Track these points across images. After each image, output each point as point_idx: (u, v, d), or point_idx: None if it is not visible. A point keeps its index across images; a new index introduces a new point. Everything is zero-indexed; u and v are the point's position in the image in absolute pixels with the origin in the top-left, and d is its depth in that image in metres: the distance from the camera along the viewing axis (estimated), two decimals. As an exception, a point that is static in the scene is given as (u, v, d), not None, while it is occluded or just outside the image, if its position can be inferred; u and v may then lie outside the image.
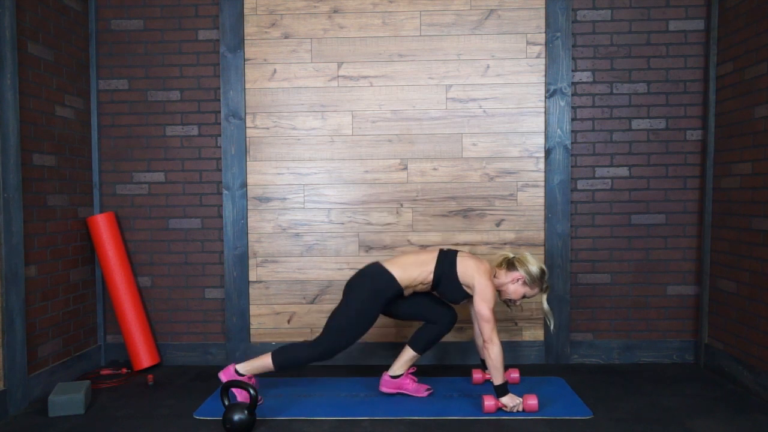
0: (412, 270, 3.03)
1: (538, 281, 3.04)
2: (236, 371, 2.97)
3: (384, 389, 3.16)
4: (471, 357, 3.75)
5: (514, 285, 3.05)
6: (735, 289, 3.34)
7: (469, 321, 3.76)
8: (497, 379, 2.88)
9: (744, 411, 2.92)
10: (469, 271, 3.01)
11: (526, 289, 3.05)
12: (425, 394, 3.13)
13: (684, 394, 3.17)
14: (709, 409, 2.95)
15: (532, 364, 3.73)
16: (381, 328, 3.76)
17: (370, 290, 2.97)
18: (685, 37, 3.68)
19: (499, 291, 3.08)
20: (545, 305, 3.07)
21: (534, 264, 3.04)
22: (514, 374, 3.34)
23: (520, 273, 3.03)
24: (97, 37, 3.78)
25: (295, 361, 2.95)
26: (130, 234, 3.82)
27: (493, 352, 2.87)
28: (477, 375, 3.32)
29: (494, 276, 3.06)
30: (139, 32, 3.78)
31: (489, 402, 2.83)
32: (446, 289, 3.05)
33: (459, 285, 3.03)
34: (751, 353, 3.18)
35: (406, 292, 3.07)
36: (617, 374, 3.51)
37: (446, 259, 3.05)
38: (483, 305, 2.92)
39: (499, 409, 2.87)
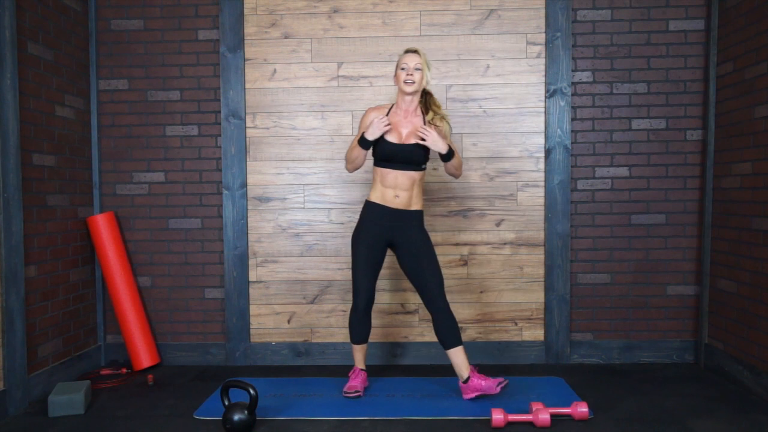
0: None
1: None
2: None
3: (466, 397, 3.04)
4: (471, 356, 3.74)
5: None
6: (735, 289, 3.34)
7: (469, 320, 3.76)
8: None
9: (744, 411, 2.92)
10: None
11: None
12: (498, 389, 2.98)
13: (684, 394, 3.17)
14: (709, 409, 2.95)
15: (532, 364, 3.73)
16: (382, 327, 3.76)
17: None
18: (685, 37, 3.68)
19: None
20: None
21: None
22: (583, 408, 2.81)
23: None
24: (97, 37, 3.78)
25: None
26: (130, 234, 3.82)
27: None
28: (497, 415, 2.75)
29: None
30: (139, 32, 3.77)
31: (497, 416, 2.72)
32: None
33: None
34: (751, 353, 3.18)
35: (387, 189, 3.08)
36: (617, 374, 3.51)
37: None
38: None
39: (509, 423, 2.77)
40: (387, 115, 3.07)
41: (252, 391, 2.66)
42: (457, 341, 3.05)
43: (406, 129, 3.06)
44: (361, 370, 3.24)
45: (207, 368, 3.74)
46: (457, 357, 3.05)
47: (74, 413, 2.94)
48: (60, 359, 3.41)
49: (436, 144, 2.96)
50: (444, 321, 3.05)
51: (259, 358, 3.79)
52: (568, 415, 2.82)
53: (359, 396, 3.12)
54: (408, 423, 2.80)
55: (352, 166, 3.15)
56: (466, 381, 3.04)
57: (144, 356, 3.66)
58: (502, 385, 3.00)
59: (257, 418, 2.78)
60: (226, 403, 2.72)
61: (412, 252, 3.06)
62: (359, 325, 3.17)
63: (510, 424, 2.76)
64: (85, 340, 3.67)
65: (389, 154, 3.02)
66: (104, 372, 3.62)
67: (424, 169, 3.11)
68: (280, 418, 2.86)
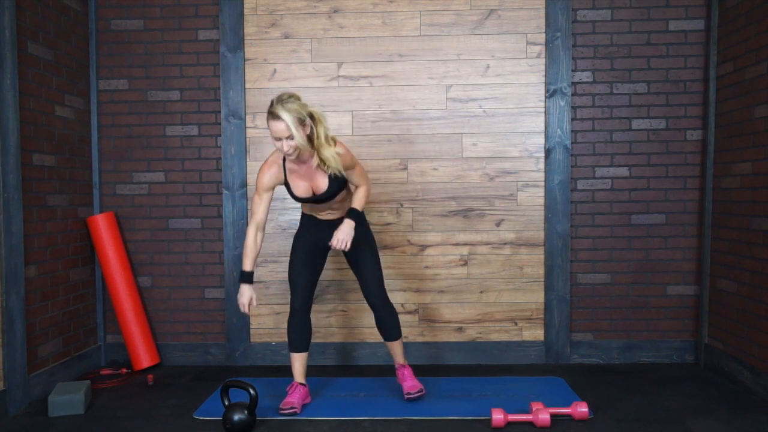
0: None
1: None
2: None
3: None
4: (470, 356, 3.75)
5: None
6: (735, 289, 3.34)
7: (469, 320, 3.76)
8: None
9: (744, 411, 2.92)
10: None
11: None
12: (415, 396, 3.03)
13: (684, 394, 3.17)
14: (709, 409, 2.95)
15: (532, 364, 3.73)
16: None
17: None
18: (685, 37, 3.68)
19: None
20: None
21: None
22: (583, 408, 2.80)
23: None
24: (97, 37, 3.78)
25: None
26: (130, 234, 3.82)
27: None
28: (497, 415, 2.74)
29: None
30: (139, 32, 3.77)
31: (497, 416, 2.71)
32: None
33: None
34: (751, 353, 3.18)
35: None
36: (617, 374, 3.51)
37: None
38: None
39: (508, 423, 2.77)
40: (283, 163, 2.85)
41: (252, 391, 2.66)
42: (396, 336, 3.11)
43: (307, 180, 2.86)
44: (300, 384, 2.97)
45: (207, 368, 3.74)
46: (394, 347, 3.13)
47: (74, 413, 2.94)
48: (60, 359, 3.41)
49: (349, 237, 2.82)
50: (384, 318, 3.07)
51: (259, 358, 3.79)
52: (568, 415, 2.82)
53: (296, 413, 2.85)
54: (408, 423, 2.80)
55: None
56: (396, 369, 3.16)
57: (144, 356, 3.66)
58: (421, 393, 3.03)
59: (257, 418, 2.78)
60: (226, 403, 2.72)
61: (352, 250, 2.90)
62: (298, 328, 3.00)
63: (510, 424, 2.76)
64: (85, 340, 3.67)
65: (307, 205, 2.99)
66: (104, 372, 3.62)
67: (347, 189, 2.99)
68: (280, 418, 2.86)
